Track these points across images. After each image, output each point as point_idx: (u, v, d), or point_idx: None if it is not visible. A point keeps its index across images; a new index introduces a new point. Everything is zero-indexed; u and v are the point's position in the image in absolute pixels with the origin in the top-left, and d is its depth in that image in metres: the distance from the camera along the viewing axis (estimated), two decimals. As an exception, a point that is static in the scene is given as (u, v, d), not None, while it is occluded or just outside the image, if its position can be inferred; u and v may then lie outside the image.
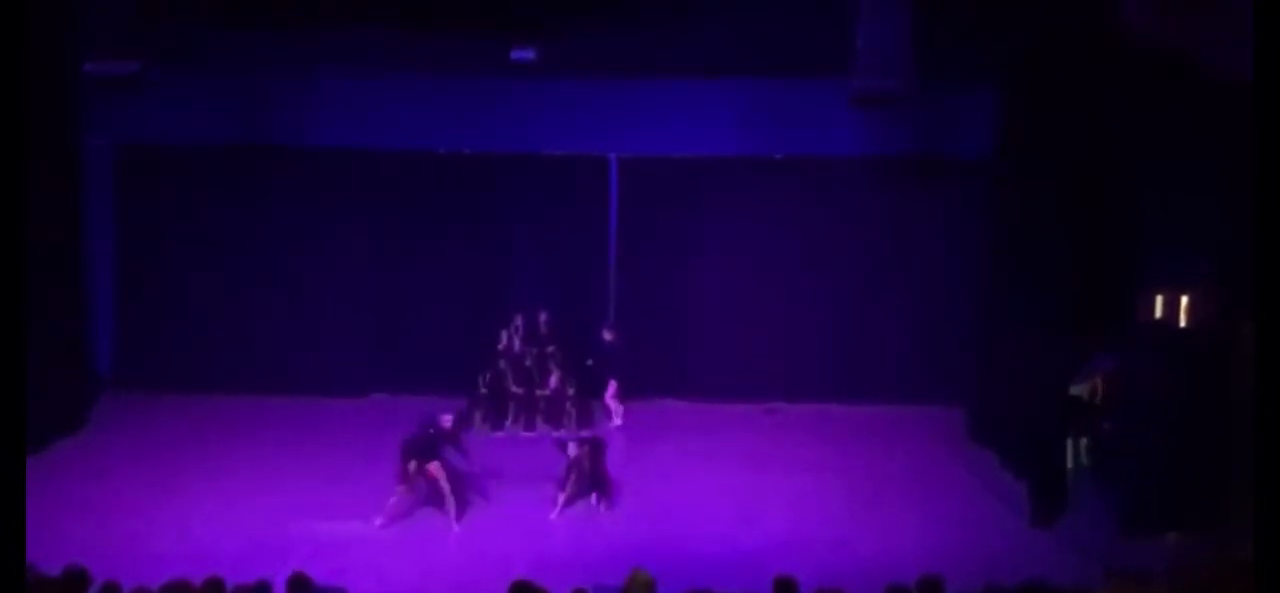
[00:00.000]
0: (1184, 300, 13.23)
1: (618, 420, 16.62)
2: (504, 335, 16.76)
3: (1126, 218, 14.10)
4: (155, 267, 17.67)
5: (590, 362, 16.88)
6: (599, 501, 14.07)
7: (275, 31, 15.68)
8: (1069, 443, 14.91)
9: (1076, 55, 13.62)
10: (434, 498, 13.70)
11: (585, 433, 15.44)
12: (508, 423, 16.53)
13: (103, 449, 15.51)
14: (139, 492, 14.15)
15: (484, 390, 16.56)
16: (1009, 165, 15.48)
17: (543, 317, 16.86)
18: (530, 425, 16.52)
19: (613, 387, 16.75)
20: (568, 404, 16.60)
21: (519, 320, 16.85)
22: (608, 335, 16.84)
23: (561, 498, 13.93)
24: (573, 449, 14.17)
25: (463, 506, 13.70)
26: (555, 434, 15.70)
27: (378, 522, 13.46)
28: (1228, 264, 12.60)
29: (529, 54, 15.50)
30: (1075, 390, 14.97)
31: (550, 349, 16.72)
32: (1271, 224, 8.39)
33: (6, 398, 8.69)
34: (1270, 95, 8.47)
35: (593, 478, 14.08)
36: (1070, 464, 14.88)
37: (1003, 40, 15.11)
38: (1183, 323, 13.28)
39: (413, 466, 13.48)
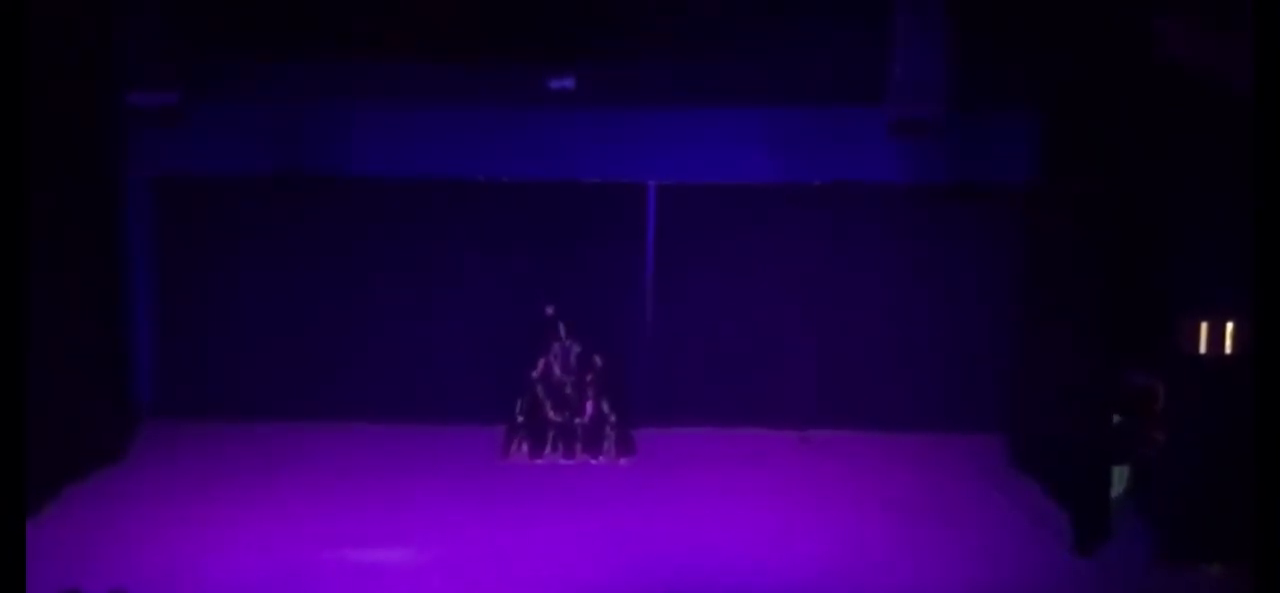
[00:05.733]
0: (1229, 327, 13.11)
1: None
2: (541, 362, 16.77)
3: (1169, 243, 14.00)
4: (196, 296, 17.71)
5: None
6: None
7: (315, 62, 15.79)
8: (1114, 471, 14.77)
9: (1116, 79, 13.56)
10: None
11: None
12: (547, 451, 16.53)
13: (144, 477, 15.55)
14: (180, 519, 14.19)
15: (521, 418, 16.58)
16: (1048, 190, 15.40)
17: (575, 349, 16.82)
18: (569, 453, 16.52)
19: None
20: (608, 430, 16.60)
21: (556, 347, 16.86)
22: None
23: None
24: None
25: None
26: None
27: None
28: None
29: (568, 82, 15.55)
30: (1119, 418, 14.83)
31: (589, 377, 16.71)
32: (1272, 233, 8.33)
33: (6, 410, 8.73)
34: (1271, 105, 8.41)
35: None
36: (1115, 492, 14.74)
37: (1041, 66, 15.07)
38: (1228, 350, 13.16)
39: None
